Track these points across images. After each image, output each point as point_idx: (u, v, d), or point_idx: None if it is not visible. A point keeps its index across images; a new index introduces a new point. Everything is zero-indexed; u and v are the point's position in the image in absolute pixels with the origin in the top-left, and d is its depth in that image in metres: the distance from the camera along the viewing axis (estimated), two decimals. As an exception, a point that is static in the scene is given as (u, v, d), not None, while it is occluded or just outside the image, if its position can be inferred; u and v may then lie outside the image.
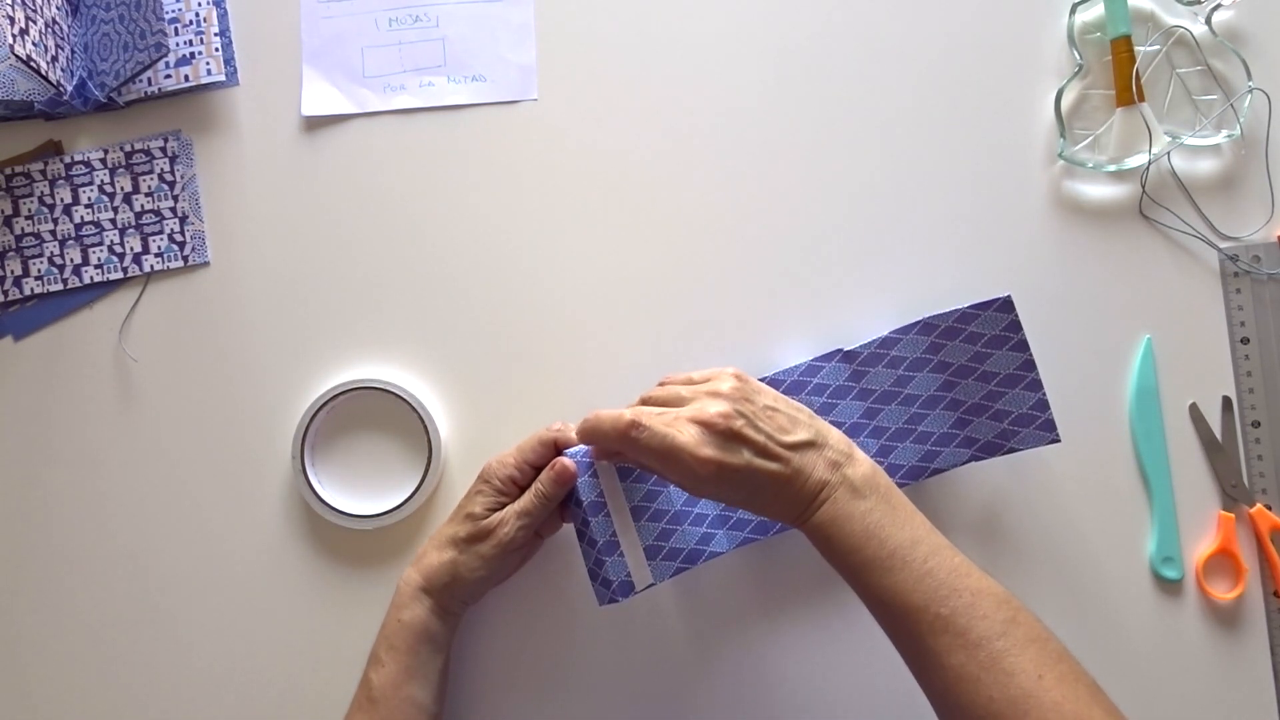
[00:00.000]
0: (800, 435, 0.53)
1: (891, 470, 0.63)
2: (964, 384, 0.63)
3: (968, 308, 0.62)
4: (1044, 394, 0.62)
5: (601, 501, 0.59)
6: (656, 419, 0.52)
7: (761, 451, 0.52)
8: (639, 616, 0.66)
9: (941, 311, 0.63)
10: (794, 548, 0.65)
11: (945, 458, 0.63)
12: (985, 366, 0.62)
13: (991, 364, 0.62)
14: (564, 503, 0.60)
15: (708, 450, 0.51)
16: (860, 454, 0.54)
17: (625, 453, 0.54)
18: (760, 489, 0.52)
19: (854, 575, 0.51)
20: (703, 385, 0.55)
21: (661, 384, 0.58)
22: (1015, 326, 0.62)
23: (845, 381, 0.63)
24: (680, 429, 0.51)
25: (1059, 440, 0.62)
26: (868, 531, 0.51)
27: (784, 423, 0.53)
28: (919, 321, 0.63)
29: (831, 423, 0.57)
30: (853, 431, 0.63)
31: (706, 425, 0.51)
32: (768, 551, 0.65)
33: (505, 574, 0.62)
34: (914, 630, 0.49)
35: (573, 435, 0.60)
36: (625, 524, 0.59)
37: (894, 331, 0.63)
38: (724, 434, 0.51)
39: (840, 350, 0.64)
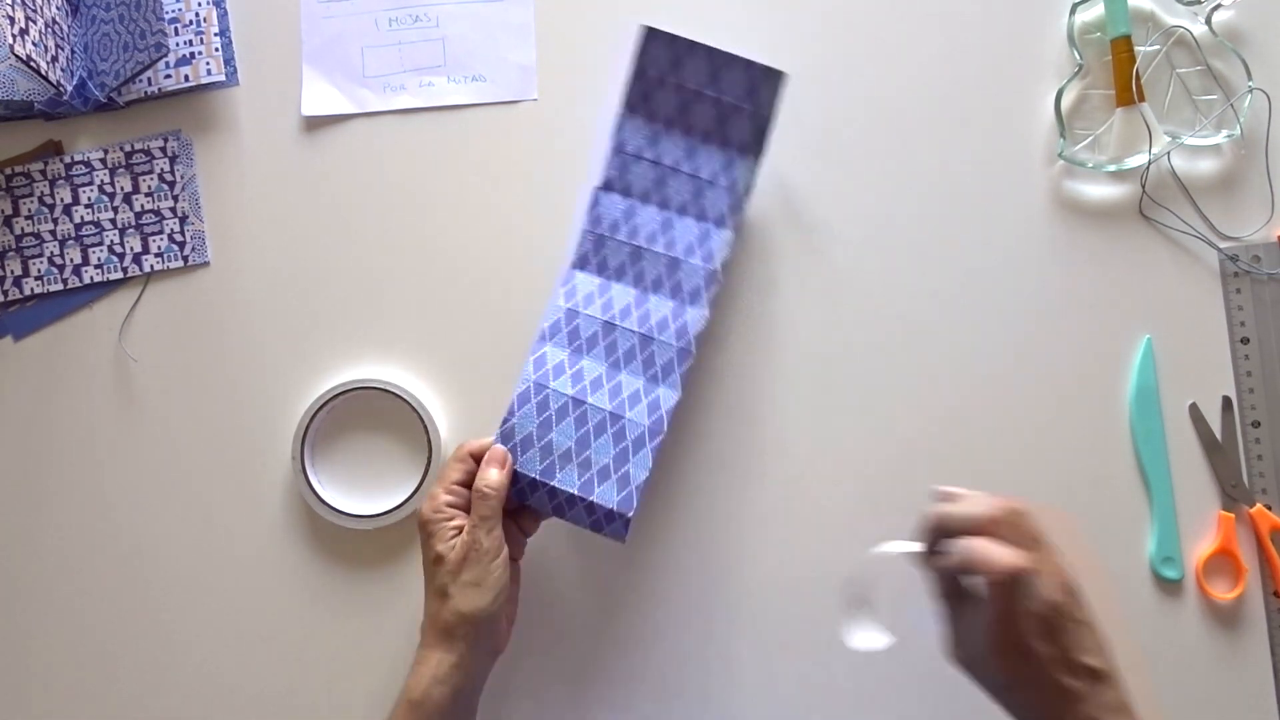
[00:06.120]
0: (1100, 663, 0.48)
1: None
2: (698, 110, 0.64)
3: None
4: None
5: (550, 465, 0.58)
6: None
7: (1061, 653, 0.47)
8: (647, 614, 0.65)
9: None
10: (806, 548, 0.65)
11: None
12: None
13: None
14: (524, 507, 0.59)
15: (1017, 559, 0.46)
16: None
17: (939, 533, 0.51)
18: (1038, 680, 0.47)
19: None
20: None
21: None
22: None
23: (625, 209, 0.64)
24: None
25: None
26: None
27: (1089, 641, 0.48)
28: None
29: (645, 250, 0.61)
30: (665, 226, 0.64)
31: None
32: (779, 550, 0.65)
33: (506, 595, 0.58)
34: None
35: (485, 440, 0.59)
36: (582, 465, 0.59)
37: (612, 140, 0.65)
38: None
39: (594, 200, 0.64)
